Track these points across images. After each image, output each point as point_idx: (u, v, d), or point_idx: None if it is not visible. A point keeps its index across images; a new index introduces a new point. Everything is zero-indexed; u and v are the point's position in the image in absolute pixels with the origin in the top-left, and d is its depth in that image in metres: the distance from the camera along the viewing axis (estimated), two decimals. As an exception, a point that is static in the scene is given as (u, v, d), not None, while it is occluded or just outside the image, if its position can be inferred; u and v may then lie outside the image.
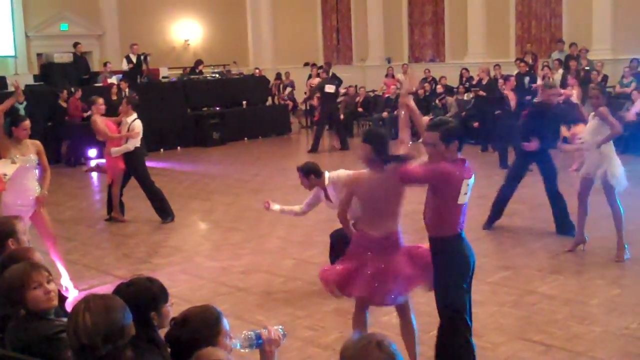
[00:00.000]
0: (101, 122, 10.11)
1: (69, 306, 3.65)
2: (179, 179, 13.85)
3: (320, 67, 19.92)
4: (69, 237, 9.50)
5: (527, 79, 15.90)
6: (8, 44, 21.29)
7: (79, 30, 22.47)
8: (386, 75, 20.71)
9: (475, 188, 4.68)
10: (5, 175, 6.84)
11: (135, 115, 10.18)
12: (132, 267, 7.99)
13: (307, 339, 5.85)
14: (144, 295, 3.22)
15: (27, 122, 7.05)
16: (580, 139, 8.03)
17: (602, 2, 17.62)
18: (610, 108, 7.89)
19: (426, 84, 18.50)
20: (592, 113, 7.76)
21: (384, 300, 4.89)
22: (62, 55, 17.92)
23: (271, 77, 22.69)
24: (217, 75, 20.57)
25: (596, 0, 17.73)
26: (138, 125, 10.09)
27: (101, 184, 11.56)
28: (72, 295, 6.81)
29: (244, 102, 19.72)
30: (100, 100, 10.28)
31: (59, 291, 3.87)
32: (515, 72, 15.99)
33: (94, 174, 14.62)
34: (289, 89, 22.50)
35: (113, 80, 17.76)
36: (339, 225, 7.00)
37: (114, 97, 15.42)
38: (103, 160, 11.46)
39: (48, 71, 17.87)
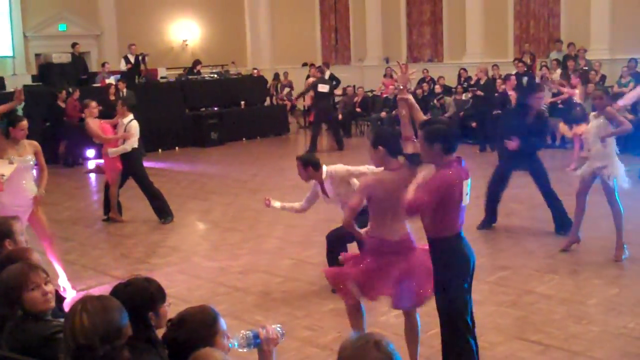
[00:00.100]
0: (94, 125, 10.13)
1: (67, 307, 3.65)
2: (177, 179, 13.84)
3: (318, 67, 19.89)
4: (67, 237, 9.50)
5: (525, 79, 15.91)
6: (6, 44, 21.27)
7: (77, 30, 22.45)
8: (384, 75, 20.70)
9: (474, 188, 4.67)
10: (3, 175, 6.83)
11: (131, 116, 10.20)
12: (130, 268, 7.98)
13: (306, 339, 5.85)
14: (141, 296, 3.22)
15: (25, 123, 7.04)
16: (586, 148, 7.97)
17: (600, 2, 17.63)
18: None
19: (424, 84, 18.49)
20: (593, 113, 7.76)
21: (405, 303, 4.89)
22: (61, 56, 17.89)
23: (269, 77, 22.69)
24: (216, 76, 20.55)
25: (594, 0, 17.74)
26: (135, 126, 10.10)
27: (99, 184, 11.56)
28: (70, 296, 6.80)
29: (242, 102, 19.72)
30: (93, 104, 10.30)
31: (57, 292, 3.88)
32: (513, 72, 16.01)
33: (92, 175, 14.62)
34: (287, 89, 22.50)
35: (111, 80, 17.75)
36: (336, 225, 7.04)
37: (112, 98, 15.40)
38: (102, 161, 11.46)
39: (46, 71, 17.85)
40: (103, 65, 19.29)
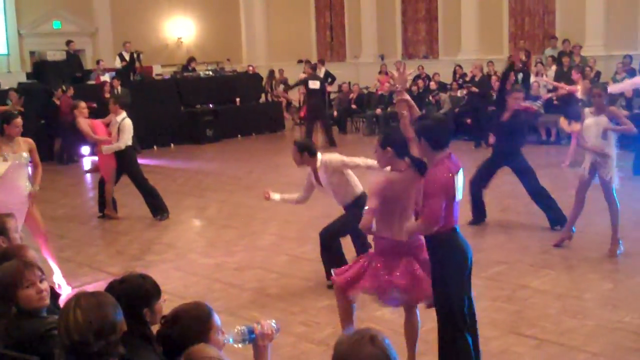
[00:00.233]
0: (85, 125, 10.17)
1: (62, 303, 3.65)
2: (173, 176, 13.82)
3: (307, 62, 19.83)
4: (62, 234, 9.49)
5: (520, 76, 15.93)
6: (1, 42, 21.23)
7: (71, 28, 22.38)
8: (380, 72, 20.70)
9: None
10: (-3, 173, 6.82)
11: (124, 114, 10.22)
12: (126, 264, 7.97)
13: (301, 334, 5.86)
14: (136, 292, 3.22)
15: (19, 120, 7.02)
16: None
17: (595, -2, 17.66)
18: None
19: (419, 81, 18.49)
20: (588, 109, 7.73)
21: (420, 301, 4.89)
22: (55, 53, 17.88)
23: (265, 74, 22.66)
24: (211, 73, 20.55)
25: (589, -4, 17.77)
26: (128, 124, 10.10)
27: (94, 182, 11.56)
28: (66, 293, 6.79)
29: (238, 100, 19.72)
30: (82, 104, 10.44)
31: (52, 288, 3.87)
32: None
33: (89, 174, 14.59)
34: (282, 86, 22.47)
35: (106, 78, 17.73)
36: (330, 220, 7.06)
37: (107, 95, 15.38)
38: (96, 158, 11.48)
39: (41, 69, 17.83)
40: (98, 62, 19.24)
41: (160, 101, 17.81)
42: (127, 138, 10.08)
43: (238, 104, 19.70)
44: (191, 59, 20.81)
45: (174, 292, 6.58)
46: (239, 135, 19.19)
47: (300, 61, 23.33)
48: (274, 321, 3.26)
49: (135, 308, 3.14)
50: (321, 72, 19.16)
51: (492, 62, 17.31)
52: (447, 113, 16.57)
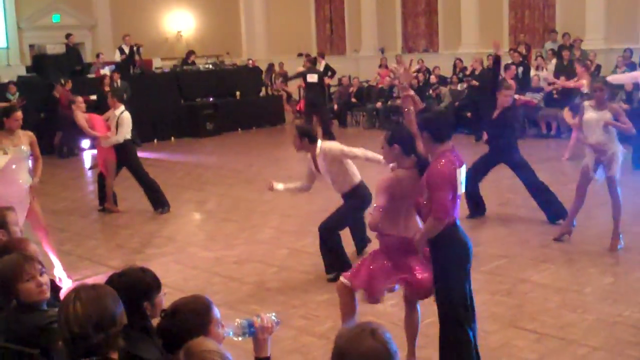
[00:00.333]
0: (82, 119, 10.22)
1: (63, 296, 3.65)
2: (173, 169, 13.83)
3: (307, 56, 19.77)
4: (63, 227, 9.49)
5: (520, 70, 15.90)
6: (0, 35, 21.17)
7: (71, 21, 22.34)
8: (379, 66, 20.69)
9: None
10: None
11: (122, 107, 10.23)
12: (126, 258, 7.98)
13: (301, 327, 5.87)
14: (136, 285, 3.22)
15: (19, 113, 7.04)
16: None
17: (595, -8, 17.62)
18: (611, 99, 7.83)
19: (419, 74, 18.46)
20: (587, 102, 7.70)
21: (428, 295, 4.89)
22: (55, 47, 17.85)
23: (265, 67, 22.63)
24: (211, 66, 20.51)
25: (589, -10, 17.73)
26: (126, 118, 10.10)
27: (94, 175, 11.58)
28: (66, 286, 6.79)
29: (238, 93, 19.70)
30: (80, 99, 10.54)
31: (53, 281, 3.87)
32: (509, 62, 15.98)
33: (94, 170, 14.59)
34: (281, 78, 22.42)
35: (106, 71, 17.68)
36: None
37: (107, 89, 15.35)
38: (95, 151, 11.51)
39: (40, 62, 17.80)
40: (97, 56, 19.21)
41: (160, 95, 17.81)
42: (125, 131, 10.08)
43: (238, 97, 19.68)
44: (190, 53, 20.76)
45: (174, 286, 6.59)
46: (239, 129, 19.18)
47: (300, 55, 23.28)
48: (274, 314, 3.26)
49: (136, 301, 3.15)
50: (321, 66, 19.09)
51: (492, 55, 17.25)
52: (448, 107, 16.56)
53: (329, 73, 19.48)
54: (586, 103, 7.75)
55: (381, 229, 4.80)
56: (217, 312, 3.10)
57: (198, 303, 3.11)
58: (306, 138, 6.87)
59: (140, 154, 11.09)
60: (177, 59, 21.89)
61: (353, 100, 19.87)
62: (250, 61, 22.26)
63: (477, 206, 9.07)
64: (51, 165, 13.04)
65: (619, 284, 6.62)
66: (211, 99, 19.05)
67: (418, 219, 4.80)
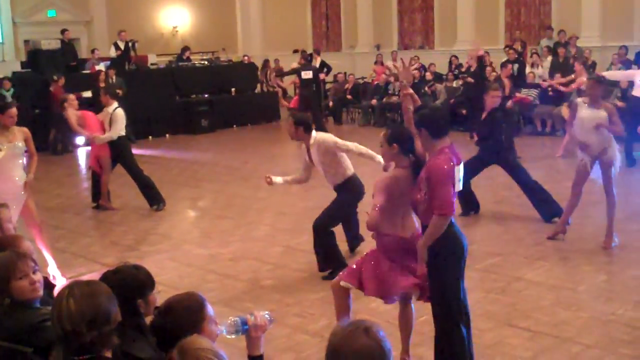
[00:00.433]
0: (73, 117, 10.16)
1: (57, 293, 3.64)
2: (168, 166, 13.81)
3: (302, 53, 19.77)
4: (57, 225, 9.47)
5: (516, 67, 15.91)
6: (-5, 31, 21.15)
7: (66, 16, 22.31)
8: (375, 63, 20.69)
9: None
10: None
11: (116, 104, 10.20)
12: (120, 255, 7.95)
13: (296, 325, 5.86)
14: (130, 283, 3.21)
15: (14, 110, 7.03)
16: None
17: (590, -11, 17.65)
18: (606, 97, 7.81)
19: (415, 71, 18.45)
20: (581, 99, 7.67)
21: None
22: (50, 42, 17.77)
23: (260, 64, 22.61)
24: (206, 63, 20.50)
25: (585, -13, 17.77)
26: (120, 114, 10.07)
27: (89, 172, 11.56)
28: (60, 284, 6.78)
29: (233, 90, 19.68)
30: (72, 96, 10.46)
31: (47, 279, 3.86)
32: (504, 59, 16.00)
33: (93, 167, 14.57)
34: (275, 74, 22.37)
35: (101, 67, 17.66)
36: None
37: (102, 84, 15.32)
38: (89, 148, 11.48)
39: (35, 58, 17.73)
40: (93, 51, 19.19)
41: (155, 91, 17.76)
42: (119, 128, 10.04)
43: (233, 94, 19.66)
44: (185, 49, 20.71)
45: (169, 283, 6.58)
46: (235, 126, 19.16)
47: (295, 51, 23.27)
48: (267, 313, 3.26)
49: (129, 299, 3.13)
50: (317, 62, 19.10)
51: (488, 52, 17.27)
52: (443, 103, 16.56)
53: (325, 70, 19.47)
54: (579, 100, 7.71)
55: (380, 228, 4.80)
56: (210, 309, 3.10)
57: (191, 300, 3.11)
58: (301, 127, 6.87)
59: (134, 151, 11.07)
60: (172, 55, 21.87)
61: (348, 97, 19.86)
62: (246, 57, 22.22)
63: (467, 203, 9.06)
64: (45, 162, 13.02)
65: (613, 282, 6.64)
66: (206, 96, 19.02)
67: (415, 218, 4.80)
